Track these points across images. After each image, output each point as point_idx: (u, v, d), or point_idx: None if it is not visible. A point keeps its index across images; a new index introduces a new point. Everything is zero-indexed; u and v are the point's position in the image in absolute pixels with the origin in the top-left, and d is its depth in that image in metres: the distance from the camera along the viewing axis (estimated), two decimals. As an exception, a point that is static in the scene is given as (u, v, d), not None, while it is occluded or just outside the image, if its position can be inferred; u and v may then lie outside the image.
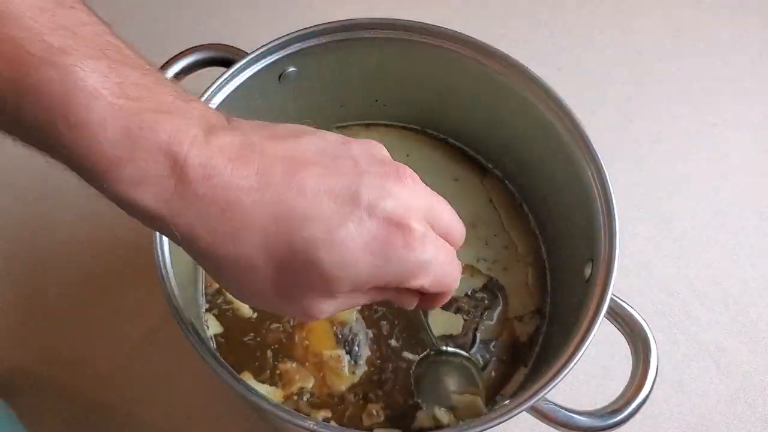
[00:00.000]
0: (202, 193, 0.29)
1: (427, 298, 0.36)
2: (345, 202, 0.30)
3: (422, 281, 0.33)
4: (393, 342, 0.58)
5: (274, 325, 0.59)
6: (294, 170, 0.30)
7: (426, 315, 0.58)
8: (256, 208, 0.29)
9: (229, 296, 0.60)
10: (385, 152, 0.35)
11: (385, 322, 0.59)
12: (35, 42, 0.27)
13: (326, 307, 0.32)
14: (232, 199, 0.29)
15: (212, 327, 0.59)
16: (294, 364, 0.57)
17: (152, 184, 0.29)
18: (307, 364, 0.57)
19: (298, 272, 0.30)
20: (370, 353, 0.58)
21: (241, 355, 0.58)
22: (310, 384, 0.57)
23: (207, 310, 0.60)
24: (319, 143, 0.32)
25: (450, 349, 0.57)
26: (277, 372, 0.57)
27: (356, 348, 0.58)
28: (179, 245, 0.31)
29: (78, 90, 0.27)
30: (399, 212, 0.31)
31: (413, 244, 0.31)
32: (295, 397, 0.56)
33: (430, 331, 0.57)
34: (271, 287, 0.31)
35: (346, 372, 0.57)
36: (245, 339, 0.58)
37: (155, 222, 0.30)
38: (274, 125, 0.33)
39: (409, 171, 0.33)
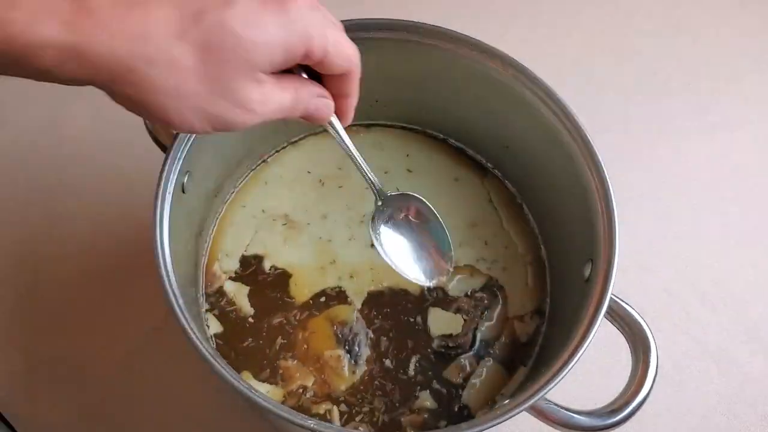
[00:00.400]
0: (102, 9, 0.31)
1: (337, 88, 0.41)
2: None
3: (321, 42, 0.36)
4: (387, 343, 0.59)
5: (276, 320, 0.59)
6: None
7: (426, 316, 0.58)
8: (154, 6, 0.32)
9: (231, 296, 0.60)
10: None
11: (384, 335, 0.59)
12: None
13: (256, 95, 0.35)
14: (132, 4, 0.31)
15: (212, 327, 0.59)
16: (294, 362, 0.57)
17: (52, 11, 0.30)
18: (307, 362, 0.57)
19: (216, 50, 0.33)
20: (370, 353, 0.58)
21: (240, 354, 0.58)
22: (309, 382, 0.57)
23: (207, 310, 0.60)
24: None
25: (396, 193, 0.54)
26: (280, 372, 0.57)
27: (356, 348, 0.58)
28: (103, 86, 0.33)
29: None
30: None
31: (305, 6, 0.36)
32: (300, 390, 0.56)
33: (369, 176, 0.51)
34: (198, 79, 0.33)
35: (346, 372, 0.57)
36: (245, 338, 0.58)
37: (63, 58, 0.30)
38: None
39: None
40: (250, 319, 0.59)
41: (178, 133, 0.52)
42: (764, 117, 0.85)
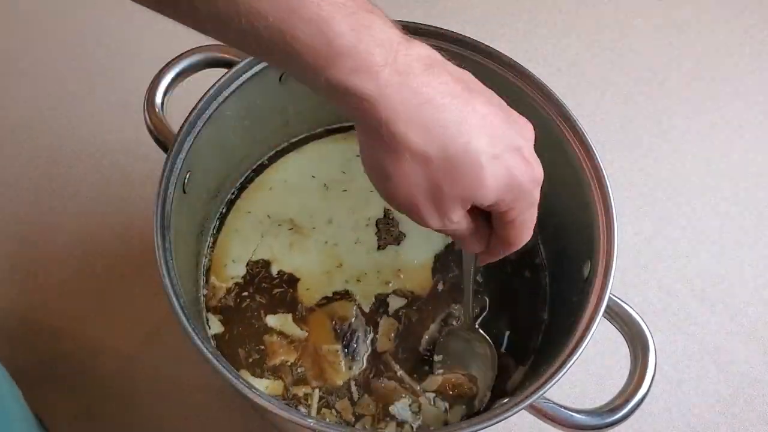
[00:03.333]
0: (409, 85, 0.35)
1: (494, 245, 0.44)
2: (504, 136, 0.38)
3: (520, 212, 0.40)
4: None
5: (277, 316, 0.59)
6: (470, 91, 0.38)
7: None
8: (446, 111, 0.36)
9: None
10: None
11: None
12: None
13: (456, 216, 0.39)
14: (430, 98, 0.36)
15: (213, 327, 0.59)
16: (279, 338, 0.58)
17: (371, 72, 0.35)
18: (306, 356, 0.58)
19: (460, 172, 0.37)
20: (368, 350, 0.58)
21: (239, 349, 0.58)
22: (292, 358, 0.58)
23: (208, 311, 0.60)
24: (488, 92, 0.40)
25: (481, 331, 0.58)
26: (263, 348, 0.58)
27: (354, 344, 0.58)
28: (367, 131, 0.37)
29: None
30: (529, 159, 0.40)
31: (535, 181, 0.40)
32: (289, 365, 0.57)
33: (471, 306, 0.56)
34: (429, 184, 0.37)
35: (343, 367, 0.57)
36: (245, 337, 0.59)
37: (360, 106, 0.35)
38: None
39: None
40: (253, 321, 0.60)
41: (180, 134, 0.52)
42: (764, 117, 0.85)
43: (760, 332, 0.72)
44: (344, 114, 0.37)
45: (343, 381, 0.57)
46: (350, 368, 0.58)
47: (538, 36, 0.89)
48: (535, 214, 0.42)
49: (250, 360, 0.58)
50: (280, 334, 0.59)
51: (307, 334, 0.59)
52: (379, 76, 0.35)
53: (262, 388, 0.57)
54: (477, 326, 0.58)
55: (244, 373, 0.57)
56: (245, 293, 0.60)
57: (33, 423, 0.55)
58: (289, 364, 0.58)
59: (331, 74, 0.34)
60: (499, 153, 0.38)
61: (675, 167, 0.81)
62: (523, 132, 0.40)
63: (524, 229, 0.42)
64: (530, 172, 0.39)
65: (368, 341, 0.59)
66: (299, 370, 0.58)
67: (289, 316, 0.60)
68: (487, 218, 0.43)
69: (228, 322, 0.59)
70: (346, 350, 0.58)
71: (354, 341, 0.58)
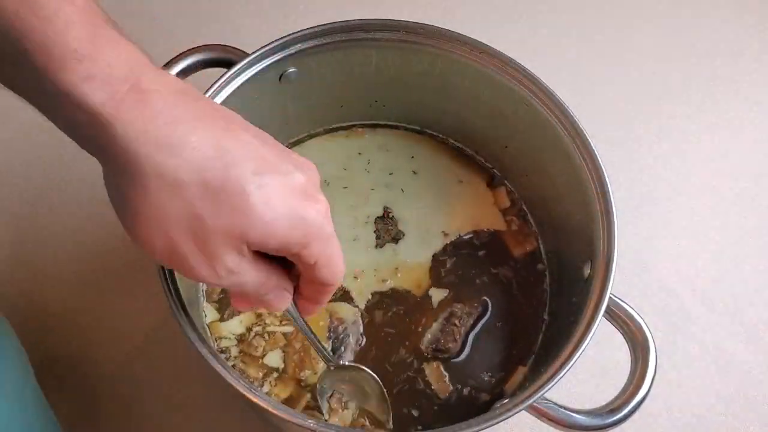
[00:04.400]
0: (153, 103, 0.31)
1: (309, 292, 0.39)
2: (274, 164, 0.34)
3: (319, 250, 0.36)
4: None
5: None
6: (234, 122, 0.34)
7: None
8: (198, 132, 0.32)
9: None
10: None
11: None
12: None
13: (230, 263, 0.34)
14: (179, 117, 0.31)
15: (209, 316, 0.59)
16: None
17: (107, 83, 0.30)
18: (293, 341, 0.58)
19: (222, 201, 0.32)
20: (353, 358, 0.58)
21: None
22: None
23: (208, 302, 0.60)
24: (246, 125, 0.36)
25: (348, 363, 0.56)
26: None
27: (342, 348, 0.58)
28: (106, 160, 0.32)
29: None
30: (319, 198, 0.36)
31: (322, 213, 0.35)
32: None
33: (322, 348, 0.51)
34: (187, 216, 0.32)
35: (322, 365, 0.57)
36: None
37: (94, 123, 0.30)
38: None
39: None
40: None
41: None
42: (764, 117, 0.85)
43: (761, 332, 0.72)
44: (79, 143, 0.32)
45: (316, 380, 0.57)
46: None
47: (538, 36, 0.89)
48: (338, 246, 0.37)
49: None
50: None
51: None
52: (116, 88, 0.30)
53: (236, 323, 0.58)
54: (343, 362, 0.57)
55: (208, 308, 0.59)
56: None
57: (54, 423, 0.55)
58: (271, 314, 0.58)
59: (62, 77, 0.29)
60: (269, 182, 0.33)
61: (675, 167, 0.81)
62: (303, 168, 0.36)
63: (332, 265, 0.37)
64: (314, 205, 0.35)
65: (357, 350, 0.58)
66: (286, 348, 0.58)
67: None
68: (284, 265, 0.38)
69: (223, 303, 0.60)
70: (332, 352, 0.58)
71: (342, 346, 0.58)
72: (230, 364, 0.58)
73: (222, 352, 0.58)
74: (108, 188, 0.34)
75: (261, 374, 0.57)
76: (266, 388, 0.57)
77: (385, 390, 0.54)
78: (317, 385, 0.55)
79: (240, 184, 0.32)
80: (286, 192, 0.33)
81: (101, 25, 0.31)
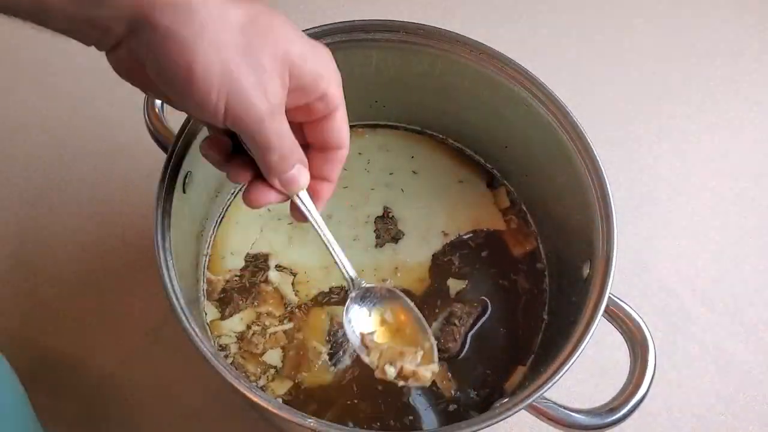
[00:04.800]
0: None
1: (320, 164, 0.42)
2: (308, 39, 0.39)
3: (340, 93, 0.40)
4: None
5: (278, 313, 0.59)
6: None
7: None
8: None
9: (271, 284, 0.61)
10: None
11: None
12: None
13: (276, 87, 0.36)
14: None
15: (210, 314, 0.60)
16: (273, 291, 0.60)
17: None
18: (292, 343, 0.59)
19: (265, 26, 0.36)
20: (350, 363, 0.58)
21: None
22: (278, 312, 0.59)
23: (208, 300, 0.60)
24: None
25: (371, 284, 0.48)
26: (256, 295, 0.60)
27: (340, 353, 0.58)
28: (136, 24, 0.33)
29: None
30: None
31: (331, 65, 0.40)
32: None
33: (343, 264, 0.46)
34: (238, 41, 0.34)
35: (317, 368, 0.57)
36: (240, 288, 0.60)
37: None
38: None
39: None
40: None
41: (180, 134, 0.52)
42: (764, 117, 0.85)
43: (761, 332, 0.72)
44: (104, 23, 0.33)
45: (312, 380, 0.57)
46: (326, 372, 0.57)
47: (538, 36, 0.89)
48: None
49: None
50: (276, 290, 0.60)
51: (299, 301, 0.60)
52: None
53: (237, 320, 0.59)
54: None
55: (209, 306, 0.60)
56: (244, 279, 0.62)
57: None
58: (271, 314, 0.59)
59: None
60: (309, 40, 0.38)
61: (675, 167, 0.81)
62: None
63: (345, 123, 0.41)
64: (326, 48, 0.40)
65: (355, 355, 0.58)
66: (283, 345, 0.58)
67: (291, 278, 0.61)
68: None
69: (224, 302, 0.61)
70: (329, 356, 0.58)
71: (341, 351, 0.58)
72: (229, 360, 0.58)
73: (222, 349, 0.58)
74: (131, 62, 0.35)
75: (259, 370, 0.57)
76: (263, 381, 0.57)
77: (422, 315, 0.48)
78: (344, 318, 0.47)
79: (276, 17, 0.37)
80: (323, 50, 0.39)
81: None
